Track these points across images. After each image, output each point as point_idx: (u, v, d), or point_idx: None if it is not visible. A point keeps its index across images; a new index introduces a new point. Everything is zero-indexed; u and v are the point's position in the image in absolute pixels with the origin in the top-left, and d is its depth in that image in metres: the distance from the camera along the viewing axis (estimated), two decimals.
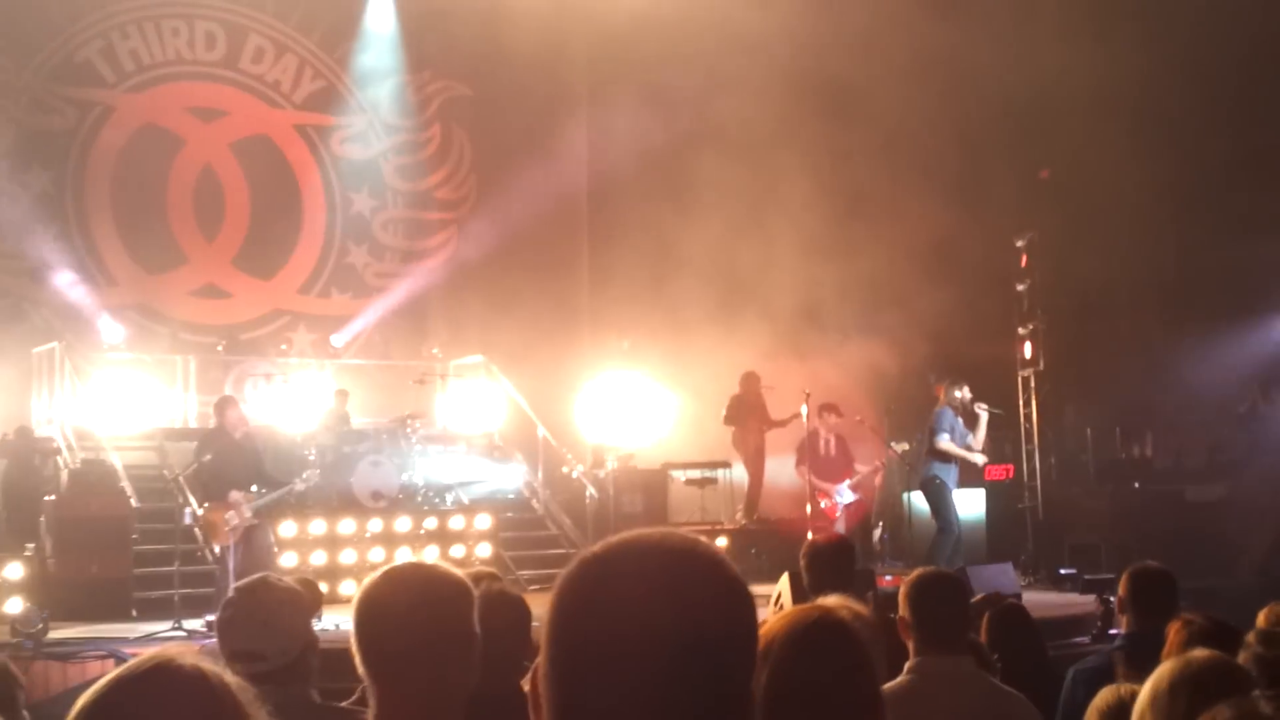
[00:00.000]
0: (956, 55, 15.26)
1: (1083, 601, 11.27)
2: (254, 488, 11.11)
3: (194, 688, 1.76)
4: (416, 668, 2.28)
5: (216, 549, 11.29)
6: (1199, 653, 2.69)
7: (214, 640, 3.31)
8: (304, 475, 11.70)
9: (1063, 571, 13.45)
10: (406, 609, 2.33)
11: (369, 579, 2.42)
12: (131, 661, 1.81)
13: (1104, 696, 3.14)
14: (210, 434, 11.69)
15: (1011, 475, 15.90)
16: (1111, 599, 9.24)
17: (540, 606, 1.56)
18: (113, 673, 1.80)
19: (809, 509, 14.18)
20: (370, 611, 2.37)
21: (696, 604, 1.37)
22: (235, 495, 10.98)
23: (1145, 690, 2.60)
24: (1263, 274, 15.07)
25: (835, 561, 5.70)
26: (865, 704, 2.25)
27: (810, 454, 14.14)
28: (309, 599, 3.35)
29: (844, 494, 14.32)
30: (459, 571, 2.46)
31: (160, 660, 1.79)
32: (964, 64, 15.08)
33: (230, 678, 1.81)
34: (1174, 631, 3.94)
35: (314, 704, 3.25)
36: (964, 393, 13.16)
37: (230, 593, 3.31)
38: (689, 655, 1.34)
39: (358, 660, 2.35)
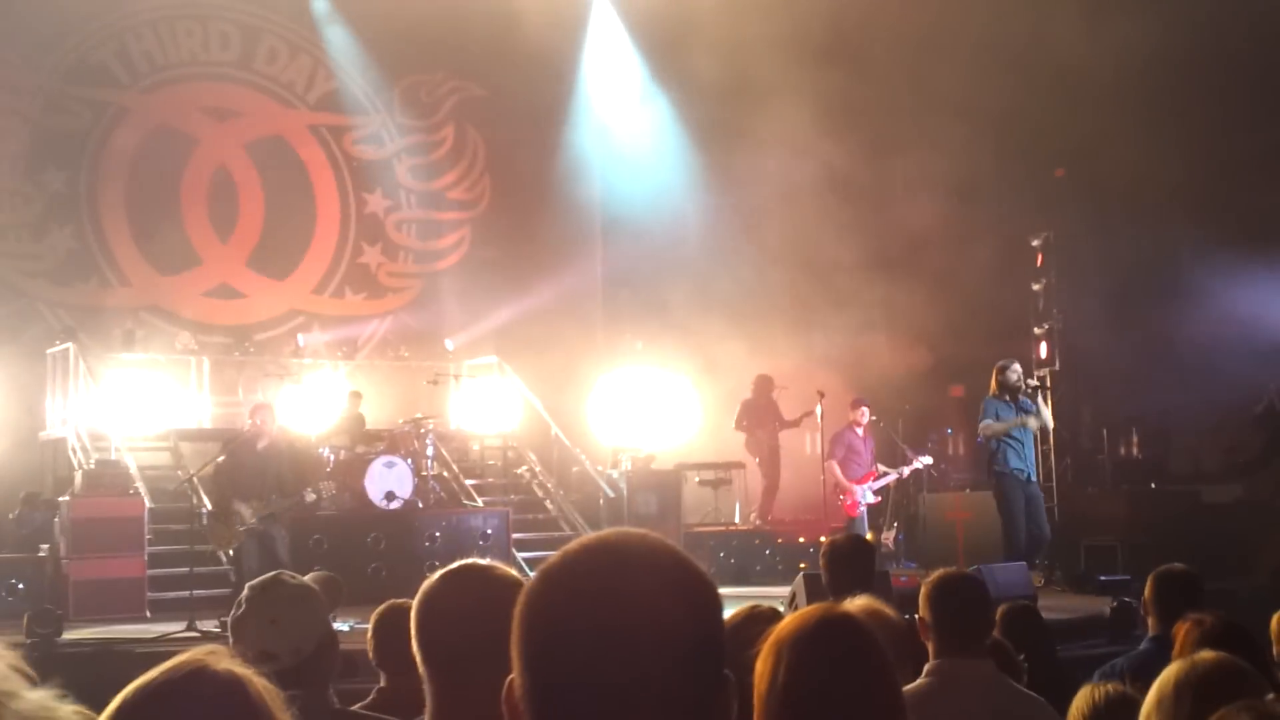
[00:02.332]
0: (972, 53, 15.21)
1: (1099, 603, 11.21)
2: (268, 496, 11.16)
3: (229, 692, 1.74)
4: (476, 667, 2.30)
5: (230, 551, 11.34)
6: (1205, 654, 2.66)
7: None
8: (315, 488, 11.70)
9: (1085, 574, 13.38)
10: (465, 609, 2.35)
11: (428, 581, 2.43)
12: (165, 664, 1.78)
13: (1082, 698, 3.10)
14: (232, 438, 11.77)
15: None
16: (1129, 600, 9.22)
17: None
18: (146, 675, 1.77)
19: (825, 509, 14.13)
20: (430, 612, 2.39)
21: (670, 605, 1.38)
22: (238, 503, 11.04)
23: (1152, 692, 2.57)
24: None
25: (855, 562, 5.68)
26: (883, 700, 2.19)
27: (846, 449, 13.98)
28: (324, 596, 3.33)
29: (866, 495, 14.02)
30: (515, 572, 2.48)
31: (195, 664, 1.76)
32: (978, 62, 15.01)
33: (262, 681, 1.79)
34: (1183, 632, 3.89)
35: (332, 709, 3.23)
36: (1009, 375, 12.24)
37: (243, 591, 3.30)
38: (672, 656, 1.35)
39: (419, 660, 2.36)
